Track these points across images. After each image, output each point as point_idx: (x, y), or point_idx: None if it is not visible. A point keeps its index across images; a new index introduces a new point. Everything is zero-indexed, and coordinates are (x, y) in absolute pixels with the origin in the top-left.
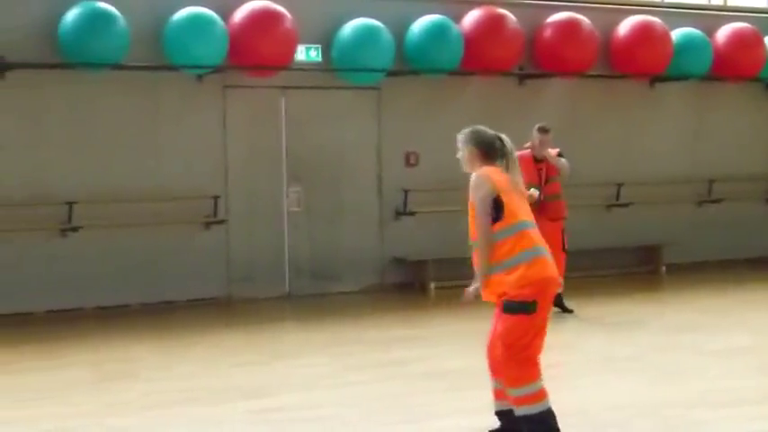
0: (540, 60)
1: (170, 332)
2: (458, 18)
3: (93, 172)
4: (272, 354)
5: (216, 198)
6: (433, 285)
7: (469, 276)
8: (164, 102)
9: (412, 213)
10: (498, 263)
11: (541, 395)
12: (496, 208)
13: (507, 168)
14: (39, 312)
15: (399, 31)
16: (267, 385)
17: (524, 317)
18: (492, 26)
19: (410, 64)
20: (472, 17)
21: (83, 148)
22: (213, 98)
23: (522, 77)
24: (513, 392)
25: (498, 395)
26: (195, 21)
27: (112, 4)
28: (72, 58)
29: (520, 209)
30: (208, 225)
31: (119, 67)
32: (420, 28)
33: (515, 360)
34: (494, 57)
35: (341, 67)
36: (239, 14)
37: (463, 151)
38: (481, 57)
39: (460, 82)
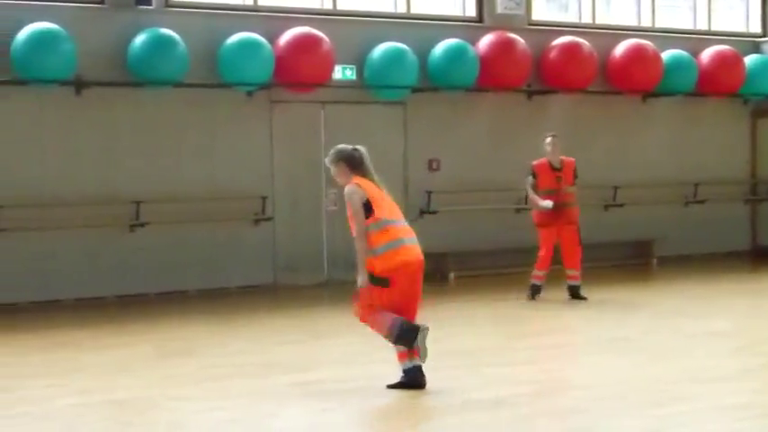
0: (546, 78)
1: (223, 315)
2: (474, 41)
3: (157, 175)
4: (312, 333)
5: (264, 198)
6: (452, 275)
7: (485, 267)
8: (218, 115)
9: (434, 212)
10: (370, 250)
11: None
12: (367, 209)
13: (366, 172)
14: (110, 297)
15: (423, 53)
16: (308, 361)
17: (379, 288)
18: (504, 48)
19: (432, 81)
20: (487, 40)
21: (148, 155)
22: (261, 112)
23: (531, 93)
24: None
25: None
26: (246, 44)
27: (174, 30)
28: (139, 77)
29: (384, 210)
30: (256, 222)
31: (179, 84)
32: (441, 50)
33: (371, 314)
34: (505, 75)
35: (372, 85)
36: (284, 38)
37: (334, 168)
38: (494, 75)
39: (476, 97)
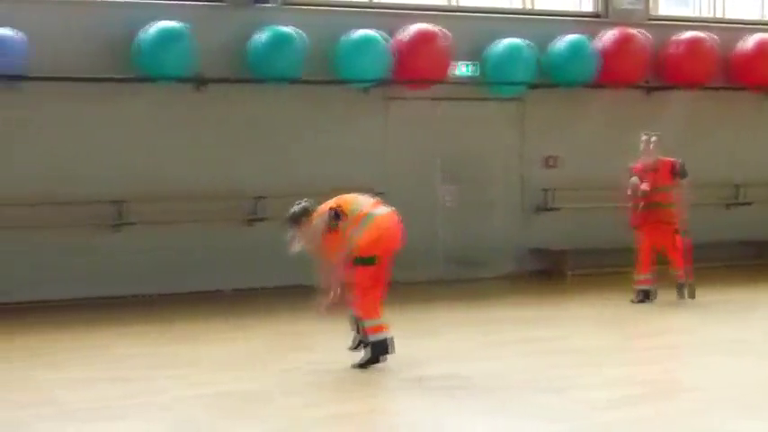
0: (666, 74)
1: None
2: (593, 36)
3: (275, 170)
4: (427, 329)
5: (379, 194)
6: (569, 273)
7: (602, 265)
8: (334, 111)
9: (550, 209)
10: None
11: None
12: (337, 216)
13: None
14: (226, 290)
15: (542, 49)
16: (422, 357)
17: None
18: (623, 44)
19: (551, 77)
20: (606, 36)
21: (267, 149)
22: (377, 108)
23: (650, 89)
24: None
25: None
26: (362, 41)
27: (292, 27)
28: (258, 73)
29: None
30: None
31: (297, 81)
32: (559, 46)
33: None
34: (625, 71)
35: (489, 81)
36: (401, 34)
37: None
38: (613, 71)
39: (594, 93)
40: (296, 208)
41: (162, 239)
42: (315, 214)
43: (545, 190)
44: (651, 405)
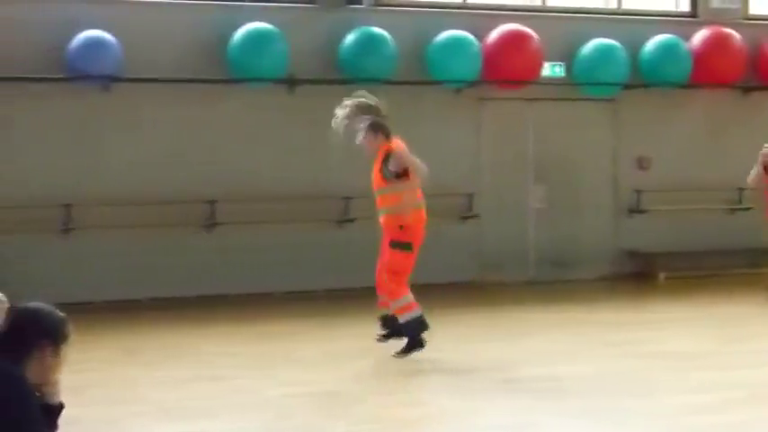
0: (764, 74)
1: (429, 311)
2: (687, 37)
3: (365, 172)
4: (517, 331)
5: (470, 195)
6: (662, 275)
7: (696, 268)
8: (426, 111)
9: (643, 211)
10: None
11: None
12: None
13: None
14: (320, 291)
15: (634, 49)
16: (512, 359)
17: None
18: (719, 44)
19: (644, 78)
20: (701, 36)
21: (358, 151)
22: (468, 109)
23: (746, 90)
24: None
25: (383, 304)
26: (454, 42)
27: (383, 29)
28: (349, 74)
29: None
30: (463, 219)
31: (388, 82)
32: (653, 46)
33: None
34: (720, 71)
35: (581, 82)
36: (493, 35)
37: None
38: (709, 71)
39: (689, 94)
40: (380, 120)
41: (253, 240)
42: (394, 140)
43: (637, 191)
44: (750, 409)
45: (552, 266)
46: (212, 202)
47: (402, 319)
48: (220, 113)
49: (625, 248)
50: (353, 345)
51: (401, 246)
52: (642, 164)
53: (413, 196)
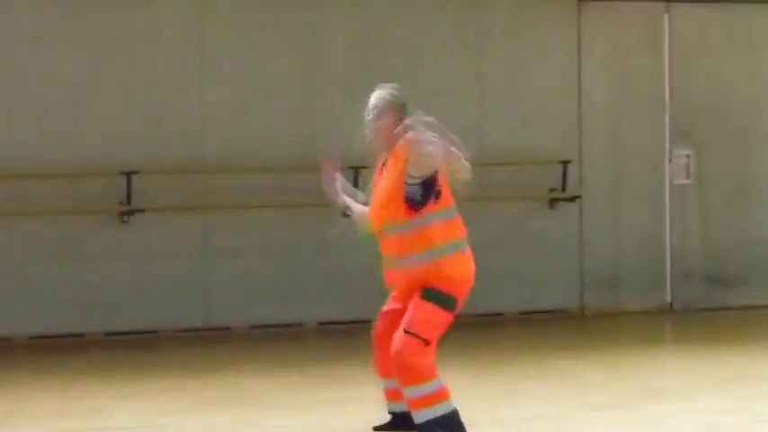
0: None
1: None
2: None
3: None
4: (645, 392)
5: (565, 164)
6: None
7: None
8: (488, 21)
9: None
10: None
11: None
12: (432, 185)
13: None
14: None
15: None
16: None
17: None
18: None
19: None
20: None
21: None
22: (562, 16)
23: None
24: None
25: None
26: None
27: None
28: None
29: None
30: (553, 203)
31: None
32: None
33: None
34: None
35: None
36: None
37: (382, 119)
38: None
39: None
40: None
41: None
42: (415, 130)
43: None
44: None
45: (705, 284)
46: None
47: (421, 417)
48: None
49: None
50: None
51: (441, 299)
52: None
53: (454, 229)
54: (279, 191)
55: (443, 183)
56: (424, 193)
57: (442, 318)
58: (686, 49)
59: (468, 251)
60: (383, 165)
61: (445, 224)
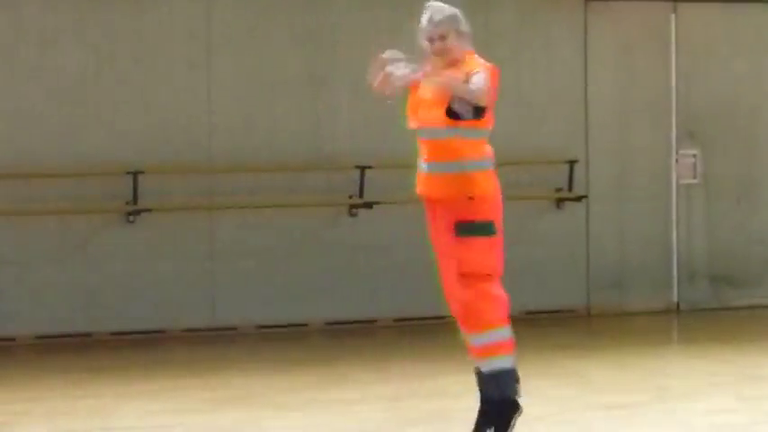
0: None
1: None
2: None
3: None
4: (654, 392)
5: (572, 164)
6: None
7: None
8: (495, 21)
9: None
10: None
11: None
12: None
13: None
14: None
15: None
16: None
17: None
18: None
19: None
20: None
21: None
22: (568, 15)
23: None
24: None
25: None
26: None
27: None
28: None
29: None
30: (560, 202)
31: None
32: None
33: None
34: None
35: None
36: None
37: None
38: None
39: None
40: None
41: None
42: (469, 60)
43: None
44: None
45: (712, 284)
46: None
47: (489, 365)
48: None
49: None
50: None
51: (477, 228)
52: None
53: (485, 148)
54: (285, 190)
55: (490, 104)
56: (474, 110)
57: (488, 244)
58: (693, 48)
59: (493, 169)
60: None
61: (478, 142)
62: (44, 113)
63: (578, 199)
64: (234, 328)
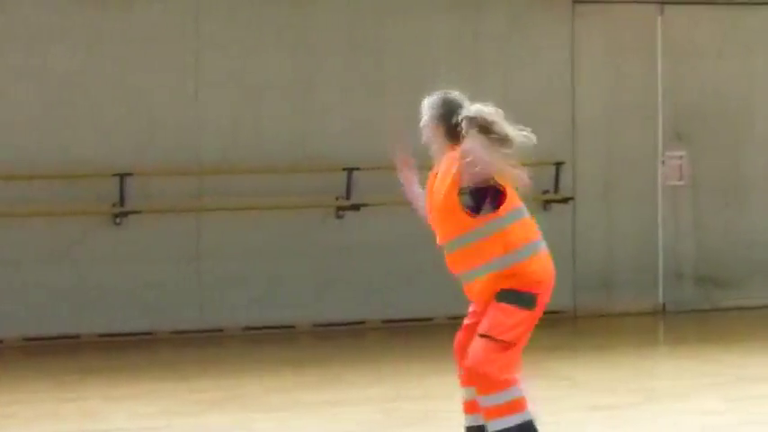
0: None
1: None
2: None
3: None
4: (641, 393)
5: (558, 165)
6: None
7: None
8: (484, 23)
9: None
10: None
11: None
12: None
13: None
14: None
15: None
16: None
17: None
18: None
19: None
20: None
21: None
22: (555, 17)
23: None
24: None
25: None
26: None
27: None
28: None
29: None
30: (546, 204)
31: None
32: None
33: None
34: None
35: None
36: None
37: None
38: None
39: None
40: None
41: None
42: (471, 137)
43: None
44: None
45: (698, 285)
46: None
47: (496, 425)
48: None
49: None
50: None
51: (516, 298)
52: None
53: (525, 231)
54: (273, 192)
55: (506, 186)
56: (475, 202)
57: (520, 316)
58: (680, 50)
59: (545, 250)
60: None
61: (513, 227)
62: (31, 115)
63: (565, 201)
64: (221, 330)
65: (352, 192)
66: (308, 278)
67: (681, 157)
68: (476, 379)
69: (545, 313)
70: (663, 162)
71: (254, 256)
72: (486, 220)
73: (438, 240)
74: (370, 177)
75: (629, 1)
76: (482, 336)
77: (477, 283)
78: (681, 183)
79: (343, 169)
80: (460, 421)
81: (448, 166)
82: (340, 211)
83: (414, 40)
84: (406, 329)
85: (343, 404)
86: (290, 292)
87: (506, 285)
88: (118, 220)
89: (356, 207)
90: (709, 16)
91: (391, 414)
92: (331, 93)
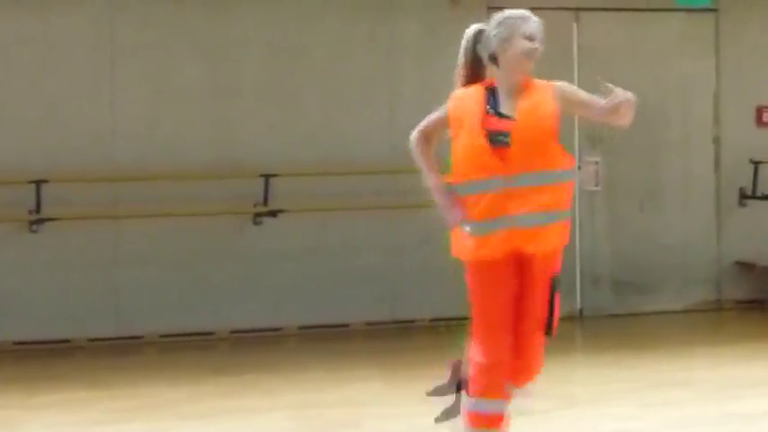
0: None
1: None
2: None
3: None
4: (559, 398)
5: None
6: None
7: None
8: (400, 30)
9: (765, 197)
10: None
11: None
12: None
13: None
14: None
15: None
16: None
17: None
18: None
19: None
20: None
21: None
22: (470, 22)
23: None
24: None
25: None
26: None
27: None
28: None
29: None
30: None
31: None
32: None
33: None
34: None
35: None
36: None
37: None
38: None
39: None
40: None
41: None
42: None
43: (756, 164)
44: None
45: (614, 290)
46: None
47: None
48: None
49: (734, 260)
50: None
51: (558, 282)
52: (763, 117)
53: None
54: (190, 199)
55: None
56: None
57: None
58: (595, 56)
59: None
60: (490, 97)
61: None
62: None
63: None
64: (139, 338)
65: (269, 198)
66: (225, 285)
67: (597, 163)
68: (532, 378)
69: (459, 319)
70: (579, 167)
71: (172, 262)
72: (573, 163)
73: (506, 171)
74: (287, 184)
75: (545, 8)
76: (546, 333)
77: (545, 229)
78: (597, 188)
79: (261, 175)
80: (377, 427)
81: (542, 94)
82: (257, 217)
83: (330, 46)
84: (322, 336)
85: (262, 411)
86: (207, 299)
87: (557, 267)
88: (34, 227)
89: (273, 213)
90: (623, 23)
91: (308, 421)
92: (248, 98)
